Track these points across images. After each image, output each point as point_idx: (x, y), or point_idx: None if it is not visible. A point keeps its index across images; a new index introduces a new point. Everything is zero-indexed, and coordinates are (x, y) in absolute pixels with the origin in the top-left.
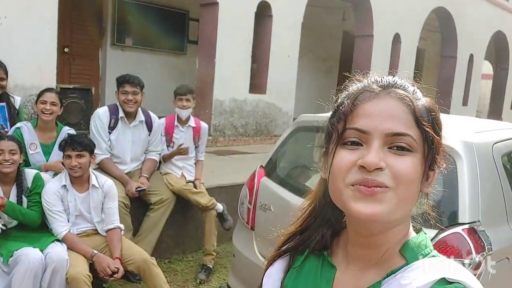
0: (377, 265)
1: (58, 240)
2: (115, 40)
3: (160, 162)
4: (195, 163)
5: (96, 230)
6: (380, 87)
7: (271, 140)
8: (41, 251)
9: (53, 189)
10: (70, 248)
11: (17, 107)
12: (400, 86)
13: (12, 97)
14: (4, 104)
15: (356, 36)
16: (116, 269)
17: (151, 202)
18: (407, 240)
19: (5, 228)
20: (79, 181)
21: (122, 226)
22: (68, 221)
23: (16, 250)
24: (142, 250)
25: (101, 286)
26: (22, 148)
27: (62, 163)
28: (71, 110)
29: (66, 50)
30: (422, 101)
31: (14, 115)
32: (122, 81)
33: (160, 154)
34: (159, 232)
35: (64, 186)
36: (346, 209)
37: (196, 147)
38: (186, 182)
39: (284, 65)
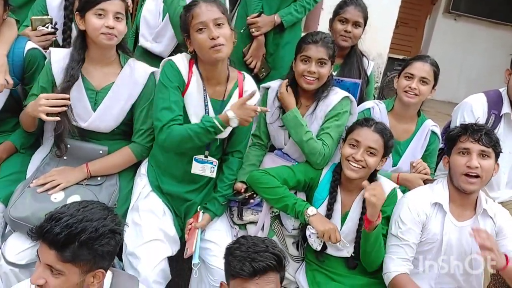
0: None
1: None
2: (450, 6)
3: None
4: None
5: None
6: None
7: None
8: None
9: (415, 205)
10: None
11: (368, 73)
12: None
13: (366, 57)
14: (359, 82)
15: None
16: None
17: None
18: None
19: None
20: (465, 201)
21: None
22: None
23: None
24: None
25: None
26: None
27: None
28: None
29: None
30: None
31: (363, 85)
32: None
33: None
34: None
35: (437, 204)
36: None
37: None
38: None
39: None
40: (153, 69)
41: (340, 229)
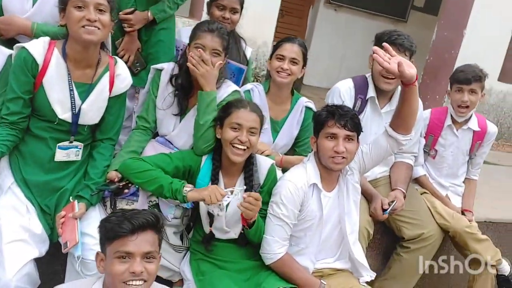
0: None
1: None
2: None
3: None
4: (463, 182)
5: None
6: None
7: None
8: None
9: (295, 186)
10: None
11: (248, 56)
12: None
13: (244, 40)
14: (245, 68)
15: None
16: None
17: (403, 235)
18: None
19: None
20: (332, 176)
21: None
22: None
23: None
24: None
25: None
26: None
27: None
28: None
29: None
30: None
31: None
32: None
33: (415, 157)
34: (414, 283)
35: (314, 185)
36: None
37: (470, 158)
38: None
39: None
40: (10, 51)
41: (226, 211)
